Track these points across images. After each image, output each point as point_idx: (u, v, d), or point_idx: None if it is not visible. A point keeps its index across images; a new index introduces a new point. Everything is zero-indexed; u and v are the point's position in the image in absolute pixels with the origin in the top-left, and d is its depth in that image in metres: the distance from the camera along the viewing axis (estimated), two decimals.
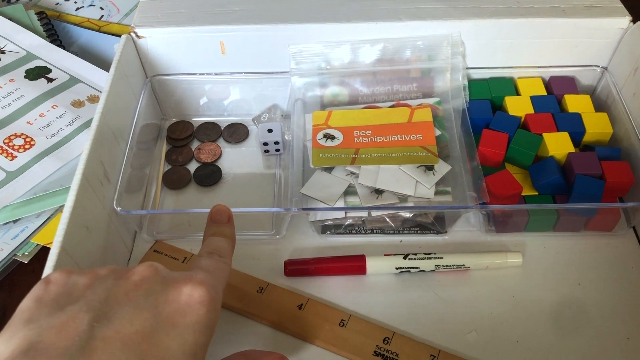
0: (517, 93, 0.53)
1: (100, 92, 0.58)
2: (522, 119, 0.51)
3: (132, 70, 0.51)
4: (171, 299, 0.29)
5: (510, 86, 0.53)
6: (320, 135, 0.50)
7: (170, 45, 0.52)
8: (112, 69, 0.48)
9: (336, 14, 0.51)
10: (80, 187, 0.40)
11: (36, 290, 0.29)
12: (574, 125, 0.49)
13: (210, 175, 0.53)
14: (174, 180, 0.52)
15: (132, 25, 0.51)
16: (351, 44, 0.51)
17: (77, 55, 0.62)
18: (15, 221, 0.49)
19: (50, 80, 0.59)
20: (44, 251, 0.48)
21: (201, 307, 0.30)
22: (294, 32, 0.51)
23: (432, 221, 0.48)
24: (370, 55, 0.52)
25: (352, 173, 0.48)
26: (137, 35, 0.51)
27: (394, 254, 0.46)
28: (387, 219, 0.47)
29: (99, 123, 0.44)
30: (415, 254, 0.45)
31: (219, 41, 0.51)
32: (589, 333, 0.43)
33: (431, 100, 0.52)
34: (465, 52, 0.52)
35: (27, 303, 0.29)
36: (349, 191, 0.47)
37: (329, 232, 0.48)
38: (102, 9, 0.71)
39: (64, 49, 0.64)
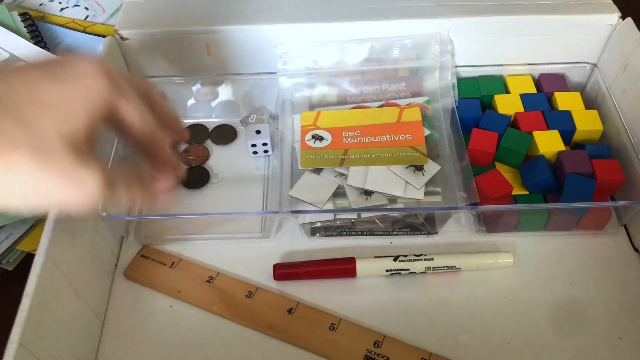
0: (507, 91, 0.53)
1: None
2: (512, 118, 0.50)
3: None
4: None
5: (499, 84, 0.53)
6: (308, 136, 0.50)
7: (155, 47, 0.51)
8: None
9: (323, 13, 0.51)
10: None
11: None
12: (564, 123, 0.49)
13: (198, 178, 0.52)
14: None
15: (116, 27, 0.50)
16: (339, 44, 0.51)
17: None
18: (0, 228, 0.48)
19: None
20: (29, 258, 0.47)
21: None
22: (281, 32, 0.50)
23: (422, 222, 0.47)
24: (358, 54, 0.51)
25: (341, 174, 0.47)
26: (122, 37, 0.50)
27: (384, 256, 0.45)
28: (377, 221, 0.47)
29: None
30: (406, 256, 0.45)
31: (205, 42, 0.51)
32: (581, 333, 0.42)
33: (420, 100, 0.52)
34: (454, 51, 0.52)
35: None
36: (338, 192, 0.47)
37: (318, 235, 0.48)
38: (87, 9, 0.70)
39: (49, 50, 0.63)
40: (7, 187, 0.27)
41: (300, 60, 0.51)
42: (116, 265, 0.47)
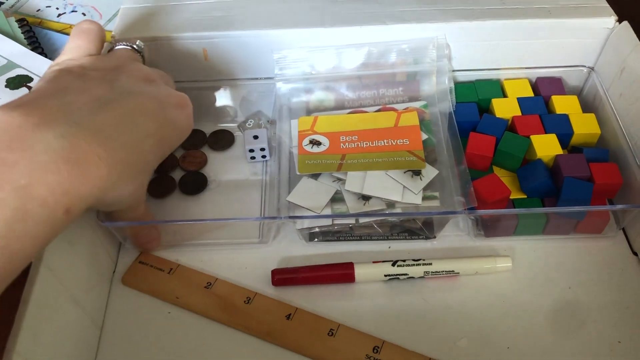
0: (504, 95, 0.53)
1: None
2: (510, 121, 0.51)
3: None
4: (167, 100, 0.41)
5: (496, 88, 0.53)
6: (306, 141, 0.49)
7: (152, 52, 0.51)
8: None
9: (320, 18, 0.51)
10: None
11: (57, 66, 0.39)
12: (561, 127, 0.49)
13: (195, 183, 0.52)
14: (159, 189, 0.51)
15: (113, 32, 0.50)
16: (336, 49, 0.51)
17: None
18: None
19: (31, 89, 0.58)
20: (26, 266, 0.47)
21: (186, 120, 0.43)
22: (278, 37, 0.50)
23: (420, 226, 0.47)
24: (356, 59, 0.51)
25: (339, 179, 0.47)
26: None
27: (383, 261, 0.45)
28: (375, 225, 0.47)
29: None
30: (404, 261, 0.45)
31: (202, 48, 0.51)
32: (580, 337, 0.42)
33: (417, 104, 0.52)
34: (451, 55, 0.52)
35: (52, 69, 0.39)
36: (336, 198, 0.47)
37: (316, 240, 0.48)
38: (84, 14, 0.70)
39: (46, 56, 0.63)
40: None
41: (297, 65, 0.51)
42: (114, 272, 0.47)
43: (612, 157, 0.48)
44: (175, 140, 0.42)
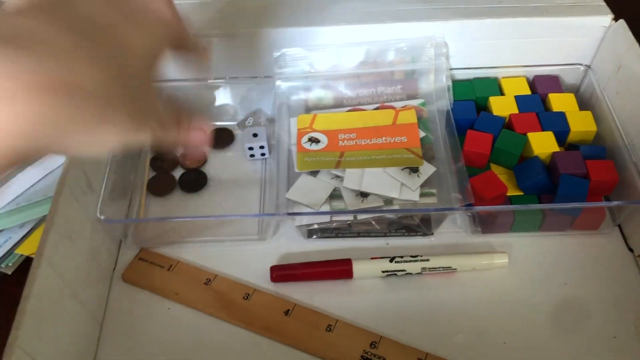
0: (502, 93, 0.53)
1: None
2: (507, 119, 0.51)
3: None
4: None
5: (494, 86, 0.53)
6: (305, 139, 0.50)
7: None
8: None
9: (319, 17, 0.51)
10: (62, 197, 0.39)
11: None
12: (558, 125, 0.49)
13: (195, 181, 0.52)
14: (159, 187, 0.52)
15: None
16: (335, 47, 0.51)
17: None
18: None
19: None
20: (28, 262, 0.48)
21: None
22: (277, 36, 0.51)
23: (418, 223, 0.48)
24: (354, 58, 0.52)
25: (337, 176, 0.48)
26: None
27: (381, 257, 0.45)
28: (373, 222, 0.47)
29: None
30: (402, 257, 0.45)
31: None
32: (576, 332, 0.43)
33: (415, 102, 0.52)
34: (448, 53, 0.52)
35: None
36: (334, 195, 0.47)
37: (315, 236, 0.48)
38: None
39: None
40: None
41: (296, 63, 0.52)
42: (114, 269, 0.47)
43: (609, 155, 0.48)
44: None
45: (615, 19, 0.50)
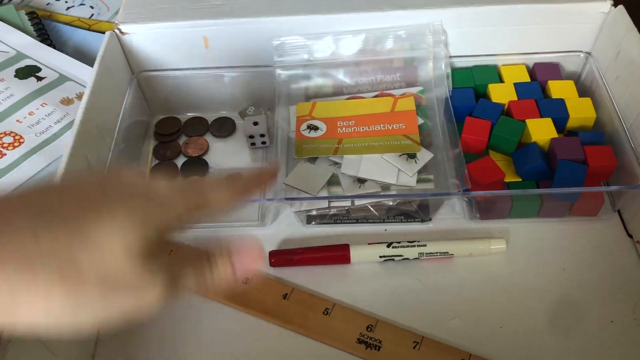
0: (501, 80, 0.53)
1: None
2: (506, 106, 0.51)
3: (117, 66, 0.52)
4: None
5: (493, 74, 0.53)
6: (304, 126, 0.50)
7: (154, 41, 0.52)
8: (95, 65, 0.48)
9: (318, 5, 0.51)
10: None
11: None
12: (557, 111, 0.49)
13: (197, 169, 0.53)
14: (162, 174, 0.52)
15: (116, 21, 0.52)
16: (333, 35, 0.52)
17: (68, 54, 0.63)
18: None
19: (39, 78, 0.60)
20: None
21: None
22: (277, 24, 0.51)
23: (416, 209, 0.48)
24: (353, 46, 0.52)
25: (335, 163, 0.48)
26: (121, 32, 0.51)
27: (378, 243, 0.46)
28: (371, 208, 0.48)
29: (82, 118, 0.44)
30: (399, 242, 0.46)
31: (202, 36, 0.52)
32: (573, 317, 0.43)
33: (414, 90, 0.52)
34: (447, 41, 0.52)
35: None
36: (332, 181, 0.47)
37: (314, 222, 0.49)
38: (92, 7, 0.72)
39: (55, 48, 0.64)
40: (79, 311, 0.25)
41: (296, 52, 0.52)
42: None
43: (608, 140, 0.48)
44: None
45: (615, 4, 0.50)
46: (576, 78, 0.55)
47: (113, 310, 0.26)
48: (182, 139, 0.56)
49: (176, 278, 0.28)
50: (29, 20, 0.67)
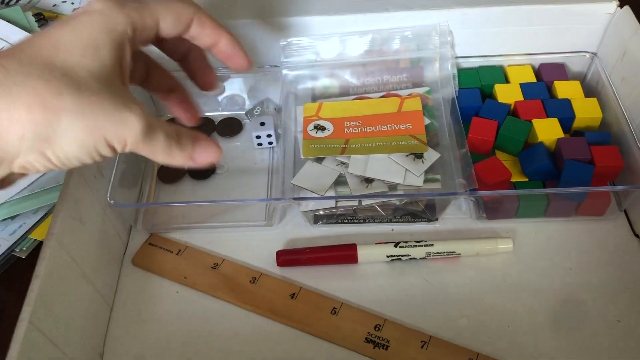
0: (507, 81, 0.53)
1: None
2: (512, 107, 0.51)
3: None
4: None
5: (499, 74, 0.54)
6: (310, 126, 0.51)
7: None
8: None
9: (325, 6, 0.52)
10: (72, 179, 0.41)
11: None
12: (563, 111, 0.49)
13: (204, 169, 0.53)
14: (169, 175, 0.53)
15: None
16: (340, 36, 0.52)
17: None
18: (13, 217, 0.50)
19: None
20: (41, 247, 0.49)
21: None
22: (284, 25, 0.52)
23: (422, 209, 0.48)
24: (360, 46, 0.52)
25: (343, 163, 0.48)
26: None
27: (385, 242, 0.46)
28: (378, 208, 0.48)
29: None
30: (406, 242, 0.46)
31: None
32: (580, 317, 0.43)
33: (421, 90, 0.52)
34: (454, 41, 0.53)
35: None
36: (340, 181, 0.48)
37: (321, 222, 0.49)
38: None
39: None
40: (60, 133, 0.27)
41: (303, 53, 0.53)
42: (125, 253, 0.48)
43: (614, 141, 0.48)
44: None
45: (621, 5, 0.50)
46: (582, 78, 0.55)
47: (92, 132, 0.27)
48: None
49: (152, 125, 0.29)
50: (36, 21, 0.68)
